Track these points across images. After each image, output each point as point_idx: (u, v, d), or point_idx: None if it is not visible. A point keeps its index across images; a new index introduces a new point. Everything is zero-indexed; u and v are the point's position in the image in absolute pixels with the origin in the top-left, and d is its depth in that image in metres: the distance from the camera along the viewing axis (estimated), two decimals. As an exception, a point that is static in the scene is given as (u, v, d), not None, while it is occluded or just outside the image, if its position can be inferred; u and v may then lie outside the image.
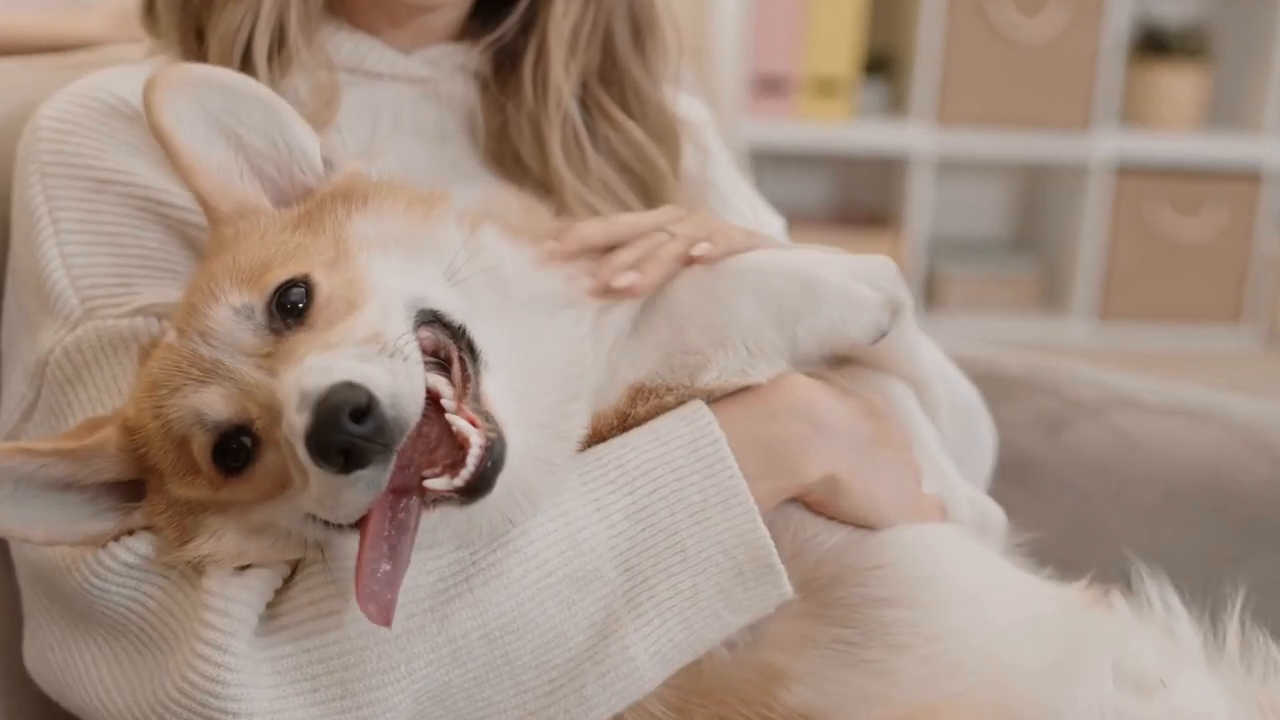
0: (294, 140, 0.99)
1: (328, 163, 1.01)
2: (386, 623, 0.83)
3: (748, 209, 1.39)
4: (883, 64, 4.13)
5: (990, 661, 1.00)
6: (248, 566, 0.93)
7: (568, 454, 0.96)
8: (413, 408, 0.82)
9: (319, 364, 0.82)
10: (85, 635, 0.98)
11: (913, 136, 3.99)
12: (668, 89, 1.29)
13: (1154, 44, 4.13)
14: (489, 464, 0.84)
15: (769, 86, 3.92)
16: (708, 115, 1.42)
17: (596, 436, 0.98)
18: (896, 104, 4.12)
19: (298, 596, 0.93)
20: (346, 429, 0.78)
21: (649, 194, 1.26)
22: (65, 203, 1.06)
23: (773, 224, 1.42)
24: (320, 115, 1.14)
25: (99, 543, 0.96)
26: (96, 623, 0.97)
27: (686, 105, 1.36)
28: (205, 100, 0.96)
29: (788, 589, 0.97)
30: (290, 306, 0.89)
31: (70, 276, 1.04)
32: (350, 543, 0.89)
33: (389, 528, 0.85)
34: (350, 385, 0.79)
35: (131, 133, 1.07)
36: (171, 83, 0.95)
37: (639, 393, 0.99)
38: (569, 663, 0.93)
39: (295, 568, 0.95)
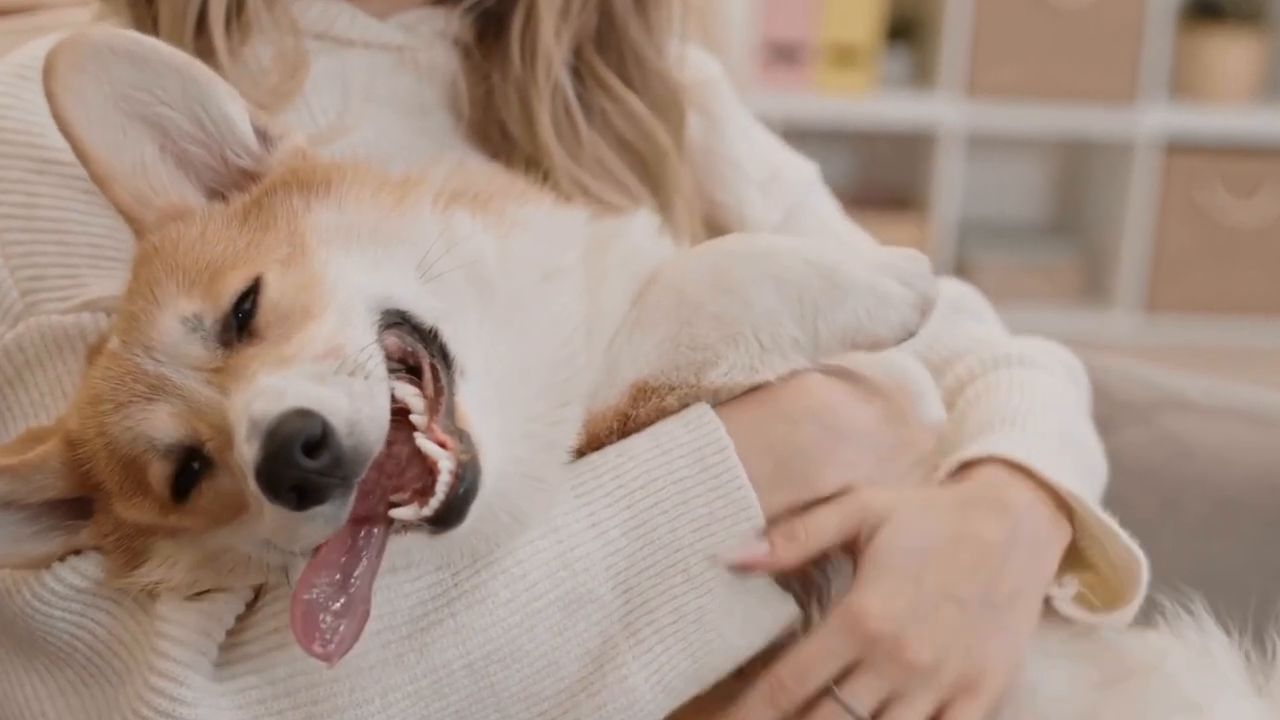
0: (219, 114, 0.97)
1: (262, 135, 0.99)
2: (326, 655, 0.82)
3: (763, 173, 1.38)
4: (907, 30, 4.13)
5: (1027, 683, 1.02)
6: (206, 591, 0.93)
7: (557, 467, 0.96)
8: (374, 434, 0.81)
9: (270, 386, 0.81)
10: (26, 665, 0.98)
11: (940, 110, 3.98)
12: (672, 53, 1.29)
13: (1206, 8, 4.13)
14: (460, 491, 0.83)
15: (782, 55, 3.92)
16: (718, 70, 1.40)
17: (594, 440, 0.98)
18: (922, 74, 4.12)
19: (262, 623, 0.93)
20: (298, 464, 0.78)
21: (649, 172, 1.25)
22: (4, 185, 1.05)
23: (804, 169, 1.42)
24: (285, 86, 1.13)
25: (43, 565, 0.95)
26: (39, 652, 0.97)
27: (693, 61, 1.35)
28: (113, 76, 0.94)
29: (795, 610, 0.97)
30: (241, 316, 0.88)
31: (10, 267, 1.03)
32: None
33: (345, 549, 0.84)
34: (302, 413, 0.79)
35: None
36: (73, 63, 0.92)
37: (641, 392, 0.99)
38: (561, 694, 0.93)
39: (259, 592, 0.95)
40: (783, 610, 0.97)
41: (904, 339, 1.01)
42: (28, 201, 1.05)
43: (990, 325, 1.34)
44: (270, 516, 0.82)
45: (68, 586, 0.95)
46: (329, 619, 0.82)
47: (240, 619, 0.93)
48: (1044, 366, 1.24)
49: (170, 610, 0.92)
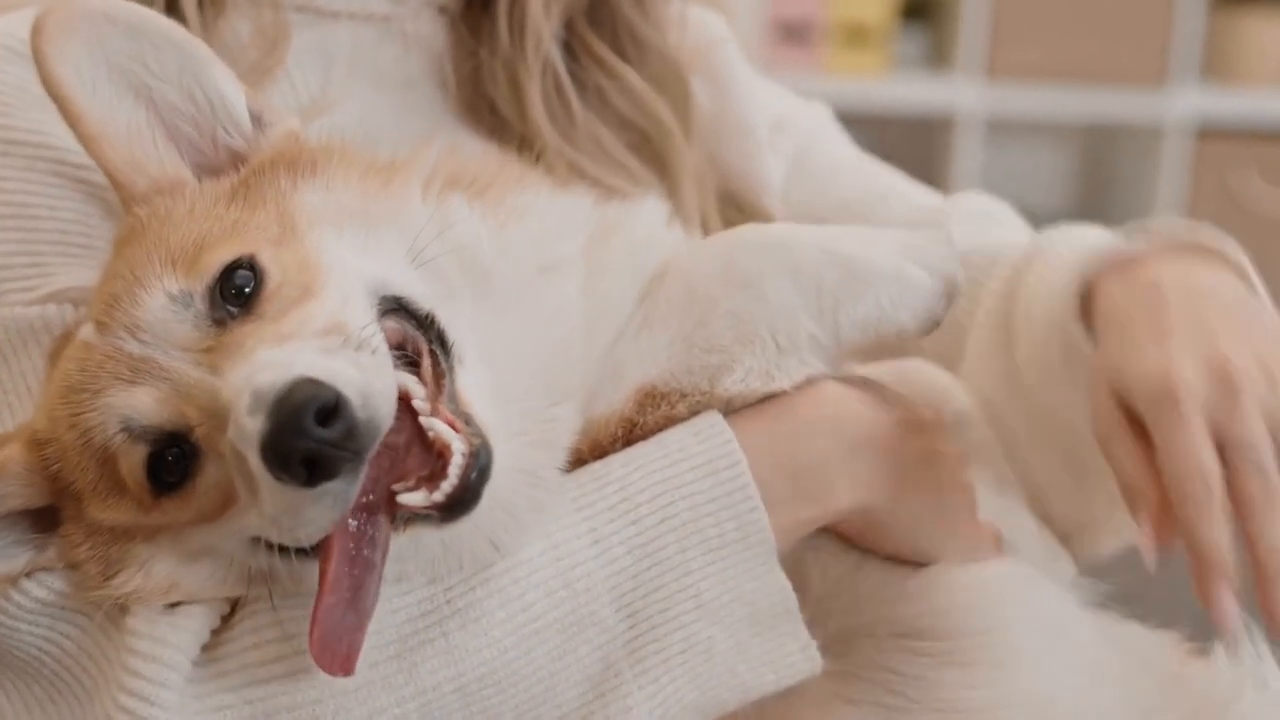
0: (214, 93, 0.98)
1: (257, 119, 1.00)
2: (348, 672, 0.82)
3: (768, 127, 1.38)
4: (923, 8, 4.13)
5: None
6: (180, 603, 0.92)
7: (553, 466, 0.95)
8: (386, 408, 0.81)
9: (274, 358, 0.81)
10: (-9, 682, 0.98)
11: (958, 93, 3.98)
12: (673, 16, 1.29)
13: (1240, -14, 4.13)
14: (474, 474, 0.83)
15: (791, 34, 3.91)
16: (722, 29, 1.40)
17: (596, 448, 0.97)
18: (939, 55, 4.12)
19: (240, 638, 0.92)
20: (312, 433, 0.77)
21: (653, 152, 1.26)
22: (-35, 169, 1.05)
23: (812, 112, 1.43)
24: (266, 61, 1.14)
25: (6, 582, 0.95)
26: (6, 667, 0.96)
27: (696, 21, 1.35)
28: (107, 45, 0.95)
29: (818, 659, 0.95)
30: (235, 292, 0.88)
31: (-30, 256, 1.03)
32: (303, 572, 0.88)
33: (351, 560, 0.83)
34: (313, 382, 0.78)
35: (41, 85, 1.06)
36: (65, 25, 0.93)
37: (649, 397, 0.98)
38: None
39: (236, 605, 0.94)
40: (804, 658, 0.96)
41: (930, 329, 1.01)
42: (-10, 186, 1.04)
43: (1020, 232, 1.35)
44: (271, 500, 0.81)
45: (34, 600, 0.95)
46: (346, 637, 0.83)
47: (215, 634, 0.93)
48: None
49: (142, 624, 0.91)
